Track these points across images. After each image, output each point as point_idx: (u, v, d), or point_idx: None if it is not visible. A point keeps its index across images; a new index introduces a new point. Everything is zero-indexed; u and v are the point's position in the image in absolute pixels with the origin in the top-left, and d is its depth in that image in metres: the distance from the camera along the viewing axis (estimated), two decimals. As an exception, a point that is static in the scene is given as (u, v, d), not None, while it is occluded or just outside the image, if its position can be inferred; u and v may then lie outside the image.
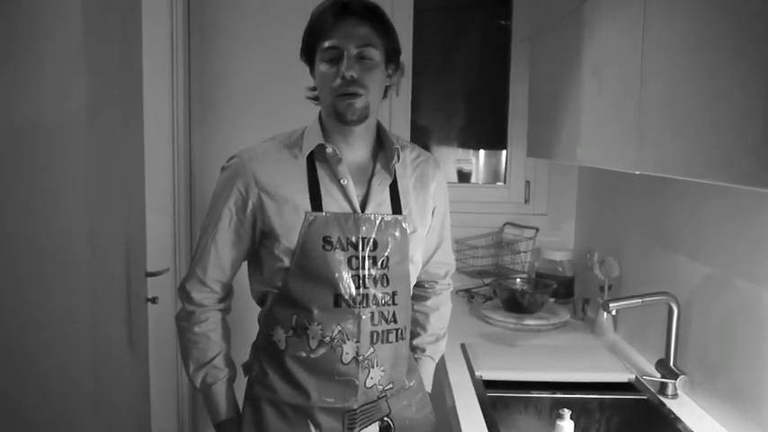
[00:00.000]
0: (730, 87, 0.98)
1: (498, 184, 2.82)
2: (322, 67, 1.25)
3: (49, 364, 1.42)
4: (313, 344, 1.28)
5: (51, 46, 1.38)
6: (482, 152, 2.89)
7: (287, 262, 1.28)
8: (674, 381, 1.62)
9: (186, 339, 1.36)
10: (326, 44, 1.23)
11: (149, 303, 2.01)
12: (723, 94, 0.99)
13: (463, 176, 2.86)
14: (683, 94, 1.13)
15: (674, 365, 1.65)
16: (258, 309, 1.41)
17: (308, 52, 1.29)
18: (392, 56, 1.29)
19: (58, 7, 1.41)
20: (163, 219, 2.41)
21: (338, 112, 1.25)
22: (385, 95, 1.33)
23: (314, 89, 1.34)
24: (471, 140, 2.89)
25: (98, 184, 1.59)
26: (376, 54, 1.25)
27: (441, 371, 1.82)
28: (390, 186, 1.34)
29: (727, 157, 0.99)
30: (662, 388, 1.65)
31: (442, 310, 1.57)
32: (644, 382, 1.72)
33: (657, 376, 1.67)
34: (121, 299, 1.78)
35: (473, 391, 1.65)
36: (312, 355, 1.28)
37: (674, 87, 1.17)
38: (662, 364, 1.68)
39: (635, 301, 1.64)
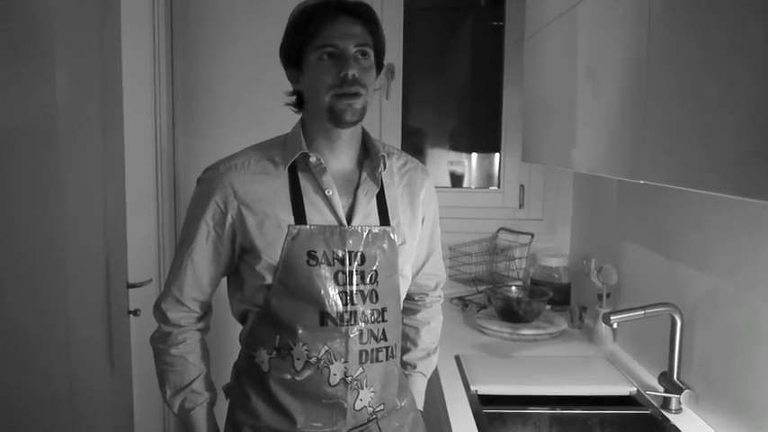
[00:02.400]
0: (739, 95, 0.91)
1: (492, 188, 2.76)
2: (317, 66, 1.18)
3: (19, 382, 1.35)
4: (298, 365, 1.21)
5: (24, 48, 1.32)
6: (475, 155, 2.82)
7: (269, 279, 1.21)
8: (677, 395, 1.56)
9: (162, 362, 1.29)
10: (323, 42, 1.17)
11: (131, 316, 1.94)
12: (731, 101, 0.93)
13: (456, 180, 2.79)
14: (688, 101, 1.06)
15: (677, 379, 1.59)
16: (240, 325, 1.33)
17: (294, 53, 1.21)
18: (380, 58, 1.24)
19: (31, 8, 1.34)
20: (146, 226, 2.32)
21: (335, 113, 1.18)
22: None
23: (293, 94, 1.27)
24: (464, 143, 2.83)
25: (75, 191, 1.52)
26: (372, 54, 1.20)
27: (434, 385, 1.76)
28: (377, 196, 1.27)
29: (733, 168, 0.93)
30: (665, 402, 1.59)
31: (432, 324, 1.50)
32: (646, 396, 1.66)
33: (660, 390, 1.61)
34: (101, 312, 1.71)
35: (468, 407, 1.59)
36: (297, 378, 1.21)
37: (678, 93, 1.10)
38: (665, 378, 1.62)
39: (637, 313, 1.58)
